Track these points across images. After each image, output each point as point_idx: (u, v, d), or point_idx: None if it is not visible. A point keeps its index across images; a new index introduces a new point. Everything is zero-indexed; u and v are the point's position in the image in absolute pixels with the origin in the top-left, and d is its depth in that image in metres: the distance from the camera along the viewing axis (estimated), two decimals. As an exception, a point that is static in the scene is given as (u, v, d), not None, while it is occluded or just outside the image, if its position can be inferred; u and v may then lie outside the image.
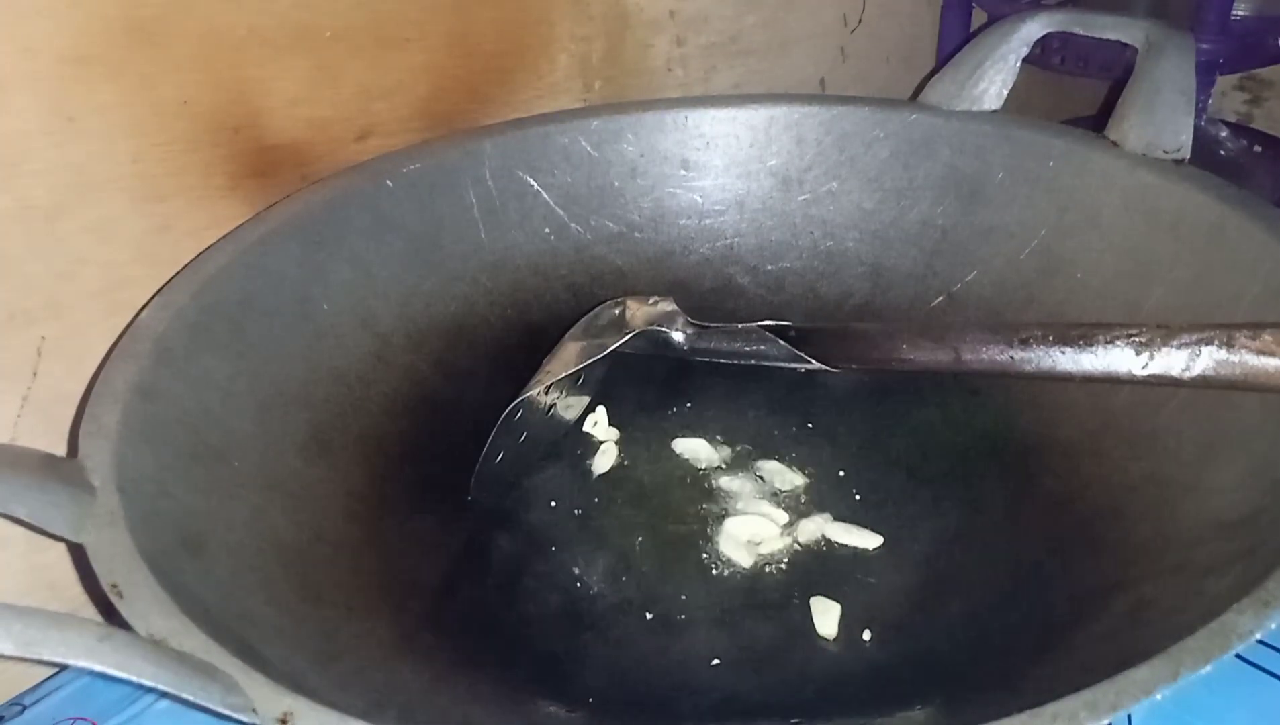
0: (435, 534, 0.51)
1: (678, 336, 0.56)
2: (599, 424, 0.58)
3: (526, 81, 0.69)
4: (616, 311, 0.57)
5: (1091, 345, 0.47)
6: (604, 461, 0.55)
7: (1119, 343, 0.46)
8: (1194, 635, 0.32)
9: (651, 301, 0.57)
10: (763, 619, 0.46)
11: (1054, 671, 0.41)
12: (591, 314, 0.57)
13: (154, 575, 0.35)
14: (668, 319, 0.56)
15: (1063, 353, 0.47)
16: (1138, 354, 0.45)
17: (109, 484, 0.38)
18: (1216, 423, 0.45)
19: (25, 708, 0.51)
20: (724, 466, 0.54)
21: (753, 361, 0.58)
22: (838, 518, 0.50)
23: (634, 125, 0.63)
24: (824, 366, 0.54)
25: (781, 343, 0.55)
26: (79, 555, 0.36)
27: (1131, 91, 0.56)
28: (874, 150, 0.62)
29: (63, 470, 0.38)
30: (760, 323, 0.56)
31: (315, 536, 0.47)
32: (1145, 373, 0.45)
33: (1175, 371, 0.44)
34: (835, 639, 0.45)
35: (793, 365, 0.56)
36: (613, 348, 0.55)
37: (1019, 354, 0.49)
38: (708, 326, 0.57)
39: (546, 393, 0.54)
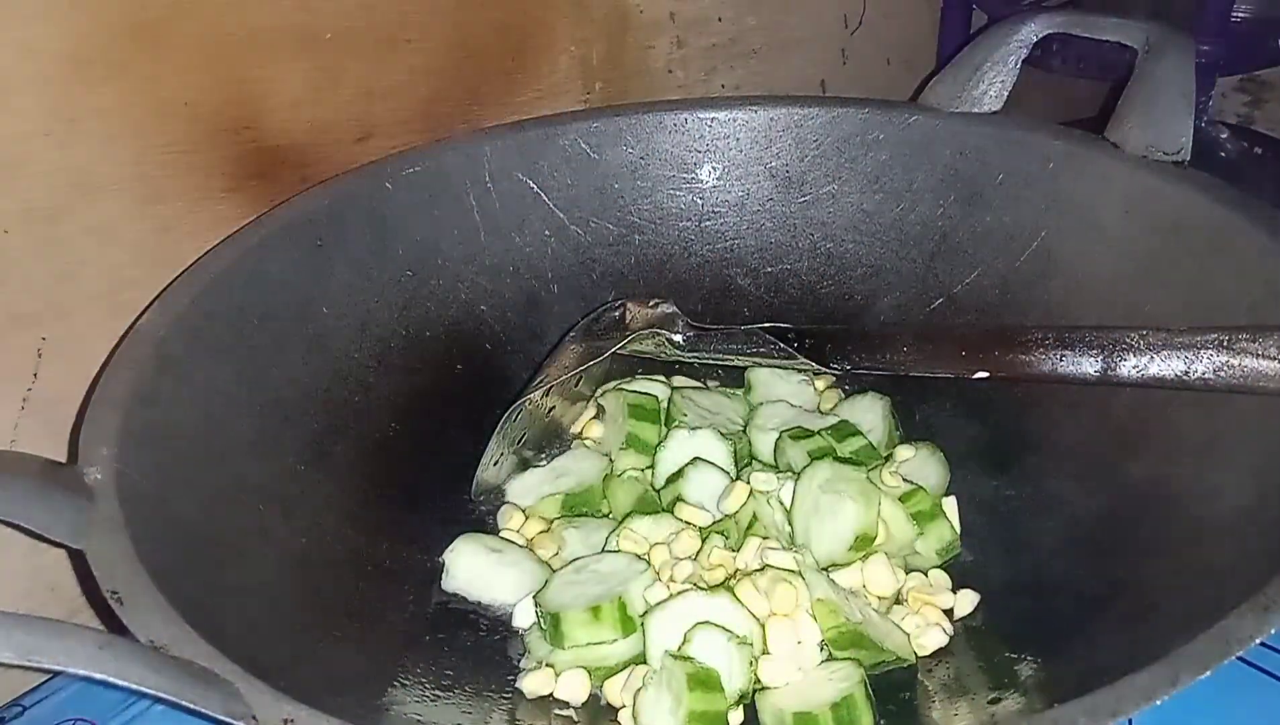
0: (437, 536, 0.51)
1: (677, 338, 0.56)
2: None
3: (527, 83, 0.69)
4: (616, 314, 0.57)
5: (1092, 349, 0.47)
6: None
7: (1119, 346, 0.46)
8: (1194, 641, 0.32)
9: (651, 304, 0.57)
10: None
11: (1054, 676, 0.41)
12: (591, 317, 0.57)
13: (154, 582, 0.35)
14: (668, 321, 0.56)
15: (1063, 356, 0.47)
16: (1138, 357, 0.45)
17: (109, 490, 0.38)
18: (1217, 425, 0.45)
19: (26, 709, 0.51)
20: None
21: (752, 363, 0.58)
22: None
23: (634, 127, 0.63)
24: (823, 368, 0.54)
25: (780, 345, 0.55)
26: (79, 560, 0.36)
27: (1131, 93, 0.56)
28: (874, 152, 0.62)
29: (63, 477, 0.38)
30: (760, 325, 0.56)
31: (316, 541, 0.47)
32: (1146, 376, 0.45)
33: (1175, 375, 0.44)
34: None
35: (791, 366, 0.56)
36: (612, 350, 0.55)
37: (1019, 357, 0.49)
38: (708, 328, 0.57)
39: (546, 395, 0.54)
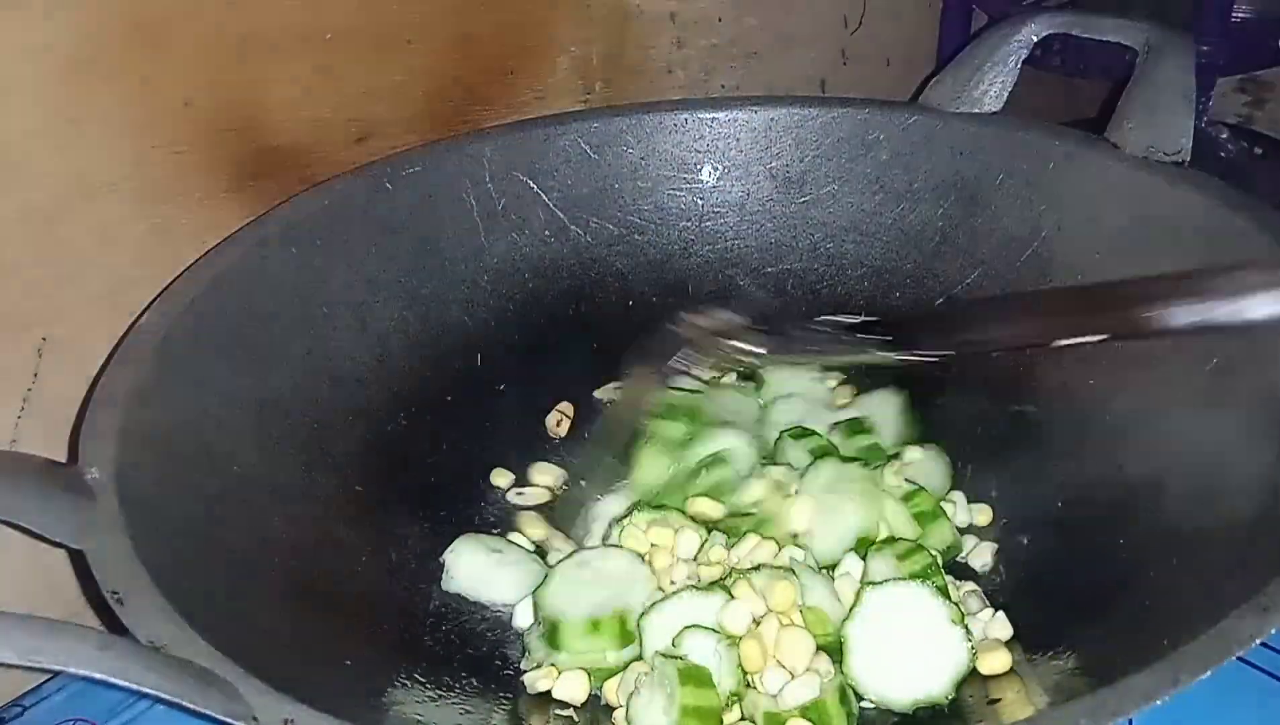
0: (437, 536, 0.51)
1: (761, 351, 0.50)
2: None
3: (527, 83, 0.69)
4: (678, 334, 0.52)
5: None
6: None
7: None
8: (1195, 641, 0.32)
9: (712, 317, 0.51)
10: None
11: (1054, 677, 0.41)
12: (651, 341, 0.53)
13: (154, 582, 0.35)
14: (740, 334, 0.50)
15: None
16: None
17: (109, 490, 0.38)
18: (1217, 427, 0.45)
19: (26, 709, 0.51)
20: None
21: (844, 361, 0.54)
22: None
23: (634, 127, 0.63)
24: (914, 357, 0.46)
25: (867, 336, 0.48)
26: (79, 560, 0.36)
27: (1132, 94, 0.56)
28: (874, 152, 0.62)
29: (63, 477, 0.38)
30: (827, 318, 0.50)
31: (316, 541, 0.47)
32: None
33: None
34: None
35: (878, 360, 0.51)
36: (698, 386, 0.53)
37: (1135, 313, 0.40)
38: (783, 332, 0.51)
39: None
